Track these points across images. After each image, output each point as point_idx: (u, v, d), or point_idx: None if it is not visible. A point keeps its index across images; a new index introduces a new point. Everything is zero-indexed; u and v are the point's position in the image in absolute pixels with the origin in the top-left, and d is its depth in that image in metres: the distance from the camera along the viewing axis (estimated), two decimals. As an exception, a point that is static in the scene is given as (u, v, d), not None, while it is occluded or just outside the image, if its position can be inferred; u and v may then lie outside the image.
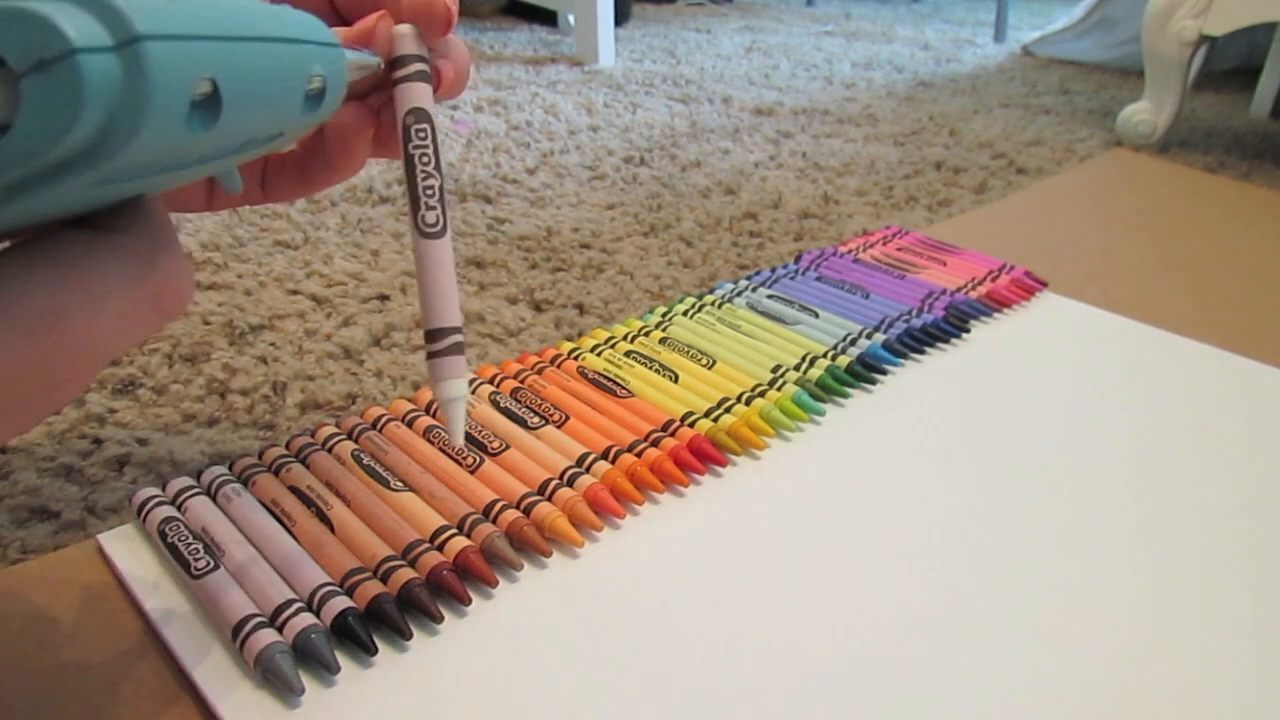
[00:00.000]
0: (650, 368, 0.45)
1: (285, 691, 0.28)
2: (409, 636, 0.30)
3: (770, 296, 0.54)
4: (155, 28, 0.14)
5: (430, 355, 0.28)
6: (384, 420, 0.39)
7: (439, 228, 0.28)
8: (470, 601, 0.31)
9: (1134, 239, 0.71)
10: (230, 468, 0.36)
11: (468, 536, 0.33)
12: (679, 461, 0.39)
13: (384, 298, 0.54)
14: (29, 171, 0.14)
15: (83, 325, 0.16)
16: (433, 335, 0.28)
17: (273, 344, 0.48)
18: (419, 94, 0.27)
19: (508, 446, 0.38)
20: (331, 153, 0.29)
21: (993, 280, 0.58)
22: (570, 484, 0.36)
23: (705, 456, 0.39)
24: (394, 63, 0.27)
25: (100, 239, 0.17)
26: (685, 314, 0.51)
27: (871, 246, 0.63)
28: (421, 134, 0.27)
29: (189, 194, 0.32)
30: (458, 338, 0.28)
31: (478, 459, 0.37)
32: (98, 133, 0.14)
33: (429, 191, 0.27)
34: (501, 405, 0.41)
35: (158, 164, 0.16)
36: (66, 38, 0.13)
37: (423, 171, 0.27)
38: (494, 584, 0.32)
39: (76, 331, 0.16)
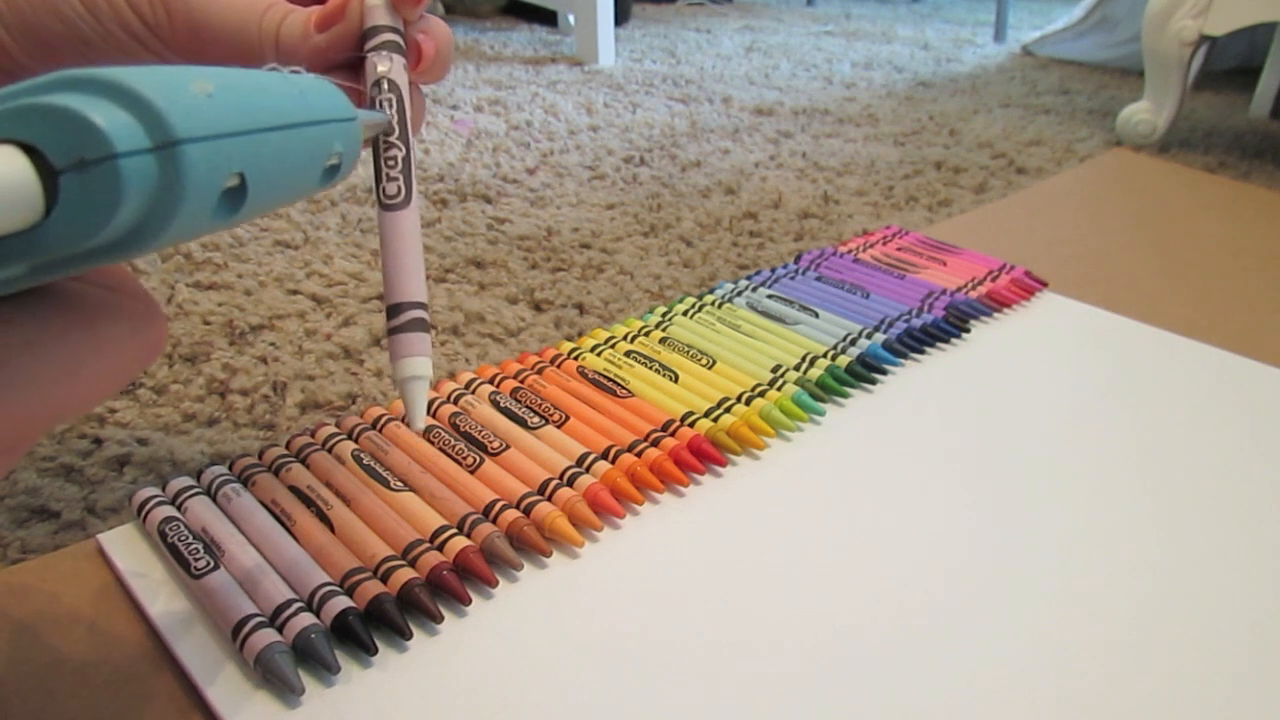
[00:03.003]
0: (650, 368, 0.45)
1: (285, 691, 0.28)
2: (409, 636, 0.30)
3: (770, 296, 0.54)
4: (193, 130, 0.14)
5: (390, 331, 0.27)
6: (384, 420, 0.39)
7: (401, 199, 0.27)
8: (470, 601, 0.31)
9: (1134, 239, 0.71)
10: (230, 468, 0.36)
11: (468, 536, 0.33)
12: (679, 461, 0.39)
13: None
14: (60, 257, 0.14)
15: (94, 374, 0.17)
16: (393, 310, 0.27)
17: (273, 344, 0.48)
18: (386, 65, 0.27)
19: (508, 446, 0.38)
20: None
21: (993, 280, 0.58)
22: (570, 484, 0.36)
23: (705, 456, 0.39)
24: (365, 35, 0.28)
25: (111, 299, 0.18)
26: (685, 314, 0.51)
27: (871, 246, 0.63)
28: (386, 104, 0.27)
29: None
30: (420, 313, 0.27)
31: (478, 459, 0.37)
32: (130, 227, 0.14)
33: (391, 162, 0.27)
34: (501, 405, 0.41)
35: (175, 241, 0.16)
36: (110, 142, 0.13)
37: (385, 142, 0.27)
38: (494, 584, 0.32)
39: (88, 380, 0.17)
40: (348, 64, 0.28)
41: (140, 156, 0.14)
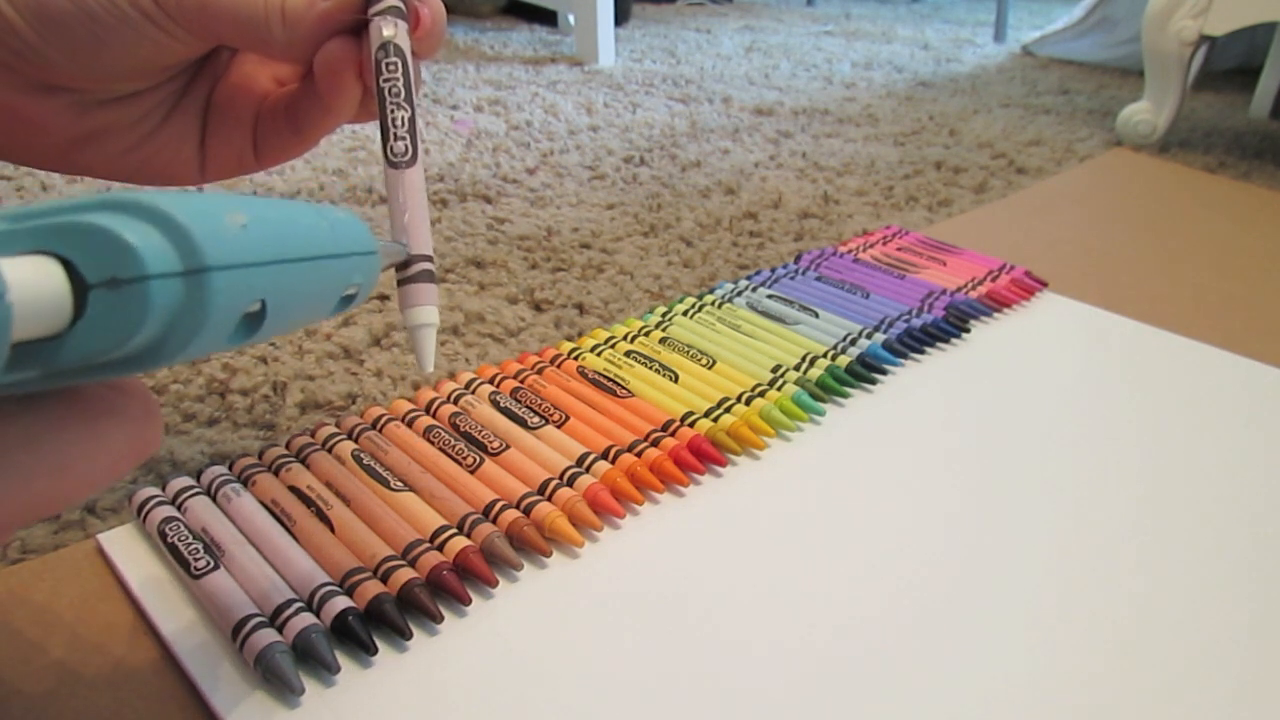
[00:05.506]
0: (650, 368, 0.45)
1: (285, 691, 0.28)
2: (409, 636, 0.30)
3: (770, 296, 0.54)
4: (223, 259, 0.15)
5: (399, 283, 0.28)
6: (384, 420, 0.39)
7: (408, 157, 0.28)
8: (470, 601, 0.31)
9: (1134, 239, 0.71)
10: (230, 468, 0.36)
11: (468, 536, 0.33)
12: (679, 461, 0.39)
13: (384, 298, 0.54)
14: (75, 366, 0.15)
15: (85, 472, 0.18)
16: (402, 263, 0.28)
17: (273, 344, 0.48)
18: (391, 29, 0.28)
19: (508, 446, 0.38)
20: (323, 88, 0.29)
21: (993, 280, 0.58)
22: (570, 484, 0.36)
23: (705, 456, 0.39)
24: (368, 0, 0.29)
25: (110, 397, 0.18)
26: (685, 314, 0.51)
27: (871, 246, 0.63)
28: (391, 67, 0.28)
29: (179, 166, 0.32)
30: (427, 265, 0.28)
31: (478, 459, 0.37)
32: (149, 344, 0.15)
33: (397, 122, 0.28)
34: (501, 405, 0.41)
35: (189, 359, 0.17)
36: (143, 264, 0.14)
37: (392, 103, 0.28)
38: (494, 584, 0.32)
39: (79, 477, 0.17)
40: (350, 27, 0.29)
41: (169, 280, 0.14)
